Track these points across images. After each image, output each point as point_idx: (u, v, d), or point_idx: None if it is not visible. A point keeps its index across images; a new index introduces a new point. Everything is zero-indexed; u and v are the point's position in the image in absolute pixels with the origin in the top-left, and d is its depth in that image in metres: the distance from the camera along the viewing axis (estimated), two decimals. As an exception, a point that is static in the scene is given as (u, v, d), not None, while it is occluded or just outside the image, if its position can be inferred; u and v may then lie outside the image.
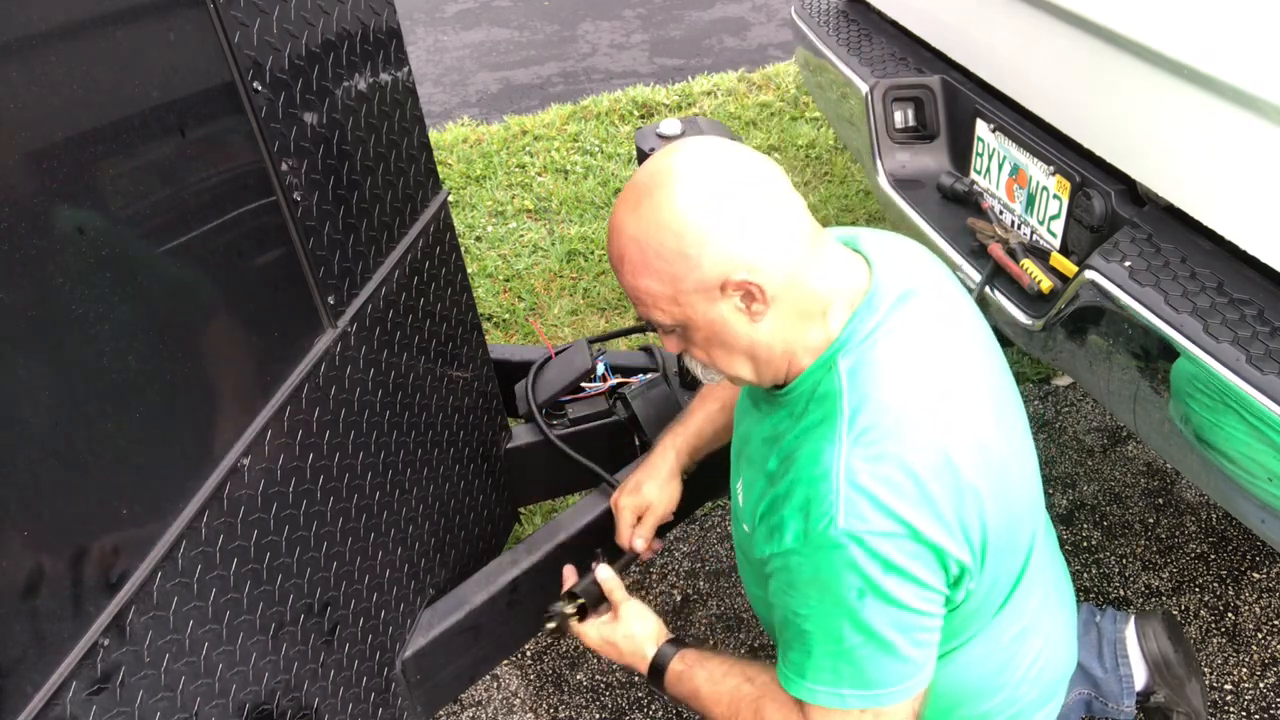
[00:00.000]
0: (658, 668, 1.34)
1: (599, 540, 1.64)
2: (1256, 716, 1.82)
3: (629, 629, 1.38)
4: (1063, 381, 2.66)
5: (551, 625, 1.46)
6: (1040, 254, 1.78)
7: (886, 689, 1.09)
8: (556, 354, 2.04)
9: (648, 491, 1.56)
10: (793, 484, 1.08)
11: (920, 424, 1.06)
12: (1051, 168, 1.73)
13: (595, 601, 1.46)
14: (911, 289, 1.15)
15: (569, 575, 1.51)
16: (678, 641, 1.37)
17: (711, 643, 2.06)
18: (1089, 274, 1.47)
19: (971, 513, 1.06)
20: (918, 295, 1.15)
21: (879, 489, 1.02)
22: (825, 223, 1.88)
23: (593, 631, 1.41)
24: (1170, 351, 1.35)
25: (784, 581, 1.10)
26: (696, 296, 1.06)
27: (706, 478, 1.68)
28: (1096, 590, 2.09)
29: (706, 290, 1.06)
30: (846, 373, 1.08)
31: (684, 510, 1.82)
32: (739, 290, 1.06)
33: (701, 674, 1.28)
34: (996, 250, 1.82)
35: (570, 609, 1.44)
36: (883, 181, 2.10)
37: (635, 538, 1.55)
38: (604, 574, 1.45)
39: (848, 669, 1.08)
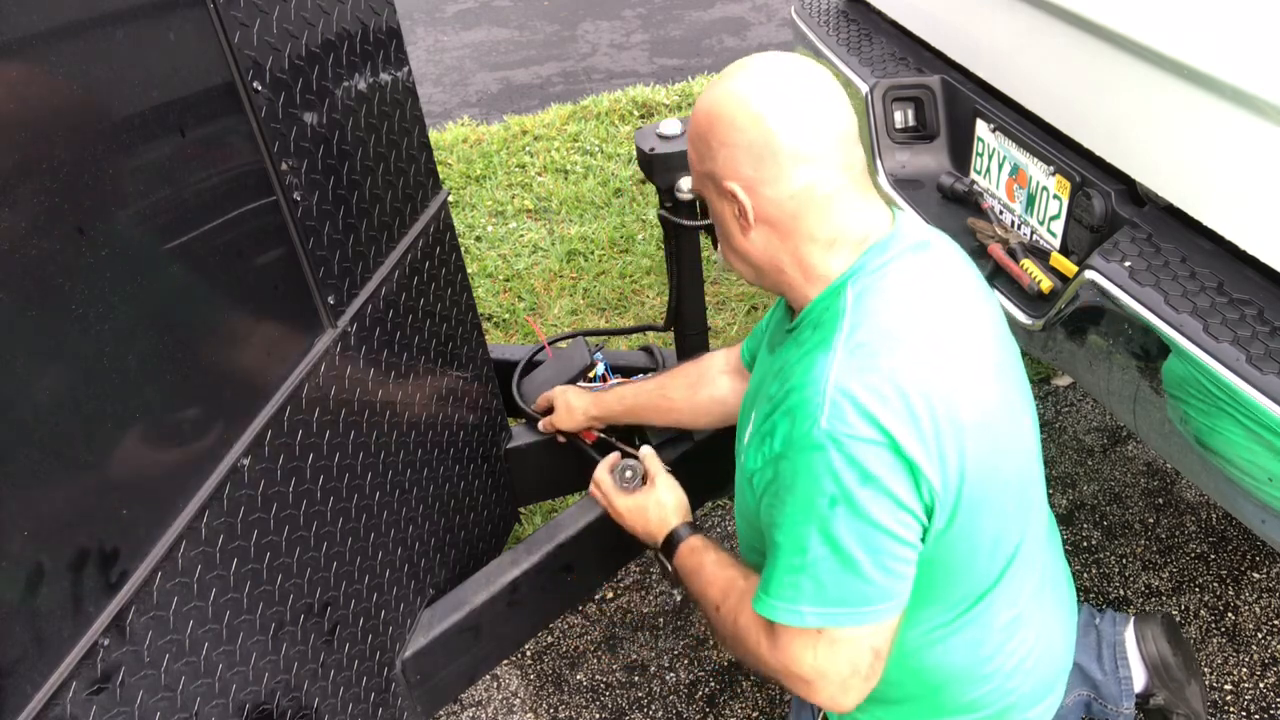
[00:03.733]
0: (674, 539, 1.41)
1: (600, 539, 1.65)
2: (1256, 716, 1.82)
3: (660, 496, 1.47)
4: (1063, 381, 2.66)
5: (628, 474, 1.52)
6: (1040, 254, 1.78)
7: (845, 609, 1.08)
8: (550, 343, 2.04)
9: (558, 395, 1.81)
10: (785, 394, 1.11)
11: (915, 350, 1.09)
12: (1051, 168, 1.73)
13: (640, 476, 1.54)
14: (928, 242, 1.21)
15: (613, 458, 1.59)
16: (696, 526, 1.44)
17: (711, 642, 2.06)
18: (1089, 274, 1.47)
19: (950, 445, 1.07)
20: (932, 249, 1.21)
21: (864, 396, 1.05)
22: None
23: (624, 500, 1.50)
24: (1169, 351, 1.35)
25: (770, 495, 1.13)
26: (709, 183, 1.20)
27: (707, 478, 1.68)
28: (1096, 590, 2.09)
29: (715, 183, 1.18)
30: (853, 297, 1.13)
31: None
32: (735, 201, 1.16)
33: (710, 556, 1.34)
34: (996, 250, 1.82)
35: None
36: (883, 181, 2.11)
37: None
38: (646, 450, 1.57)
39: (809, 584, 1.09)
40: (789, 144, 1.11)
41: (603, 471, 1.55)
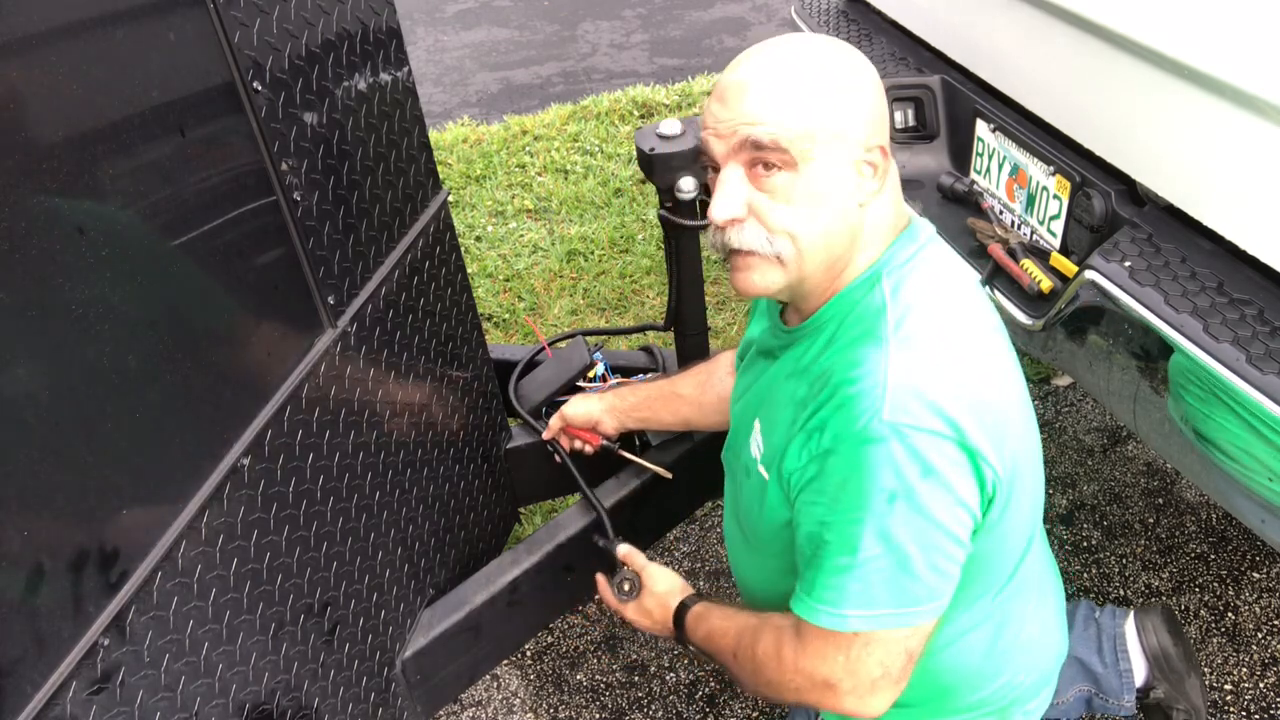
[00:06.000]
0: (681, 618, 1.36)
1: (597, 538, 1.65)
2: (1256, 716, 1.82)
3: (655, 591, 1.43)
4: (1063, 381, 2.66)
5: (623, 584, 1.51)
6: (1040, 254, 1.78)
7: (890, 610, 1.04)
8: (550, 343, 2.04)
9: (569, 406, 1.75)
10: (833, 390, 1.05)
11: (962, 341, 1.08)
12: (1051, 168, 1.73)
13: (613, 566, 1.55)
14: (936, 233, 1.21)
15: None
16: (699, 594, 1.41)
17: (711, 643, 2.06)
18: (1089, 274, 1.47)
19: (1005, 435, 1.06)
20: (939, 240, 1.20)
21: (927, 385, 1.01)
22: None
23: (631, 610, 1.46)
24: (1170, 351, 1.35)
25: (814, 491, 1.08)
26: (835, 144, 1.05)
27: (707, 477, 1.68)
28: (1096, 590, 2.09)
29: (849, 142, 1.06)
30: (890, 288, 1.09)
31: (683, 511, 1.83)
32: (876, 159, 1.07)
33: (717, 613, 1.31)
34: (996, 250, 1.82)
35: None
36: (883, 181, 2.10)
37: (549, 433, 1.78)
38: (623, 548, 1.55)
39: (857, 586, 1.04)
40: (884, 107, 1.09)
41: (607, 593, 1.51)
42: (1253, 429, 1.25)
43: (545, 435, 1.81)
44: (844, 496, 1.04)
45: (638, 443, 1.93)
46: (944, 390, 1.02)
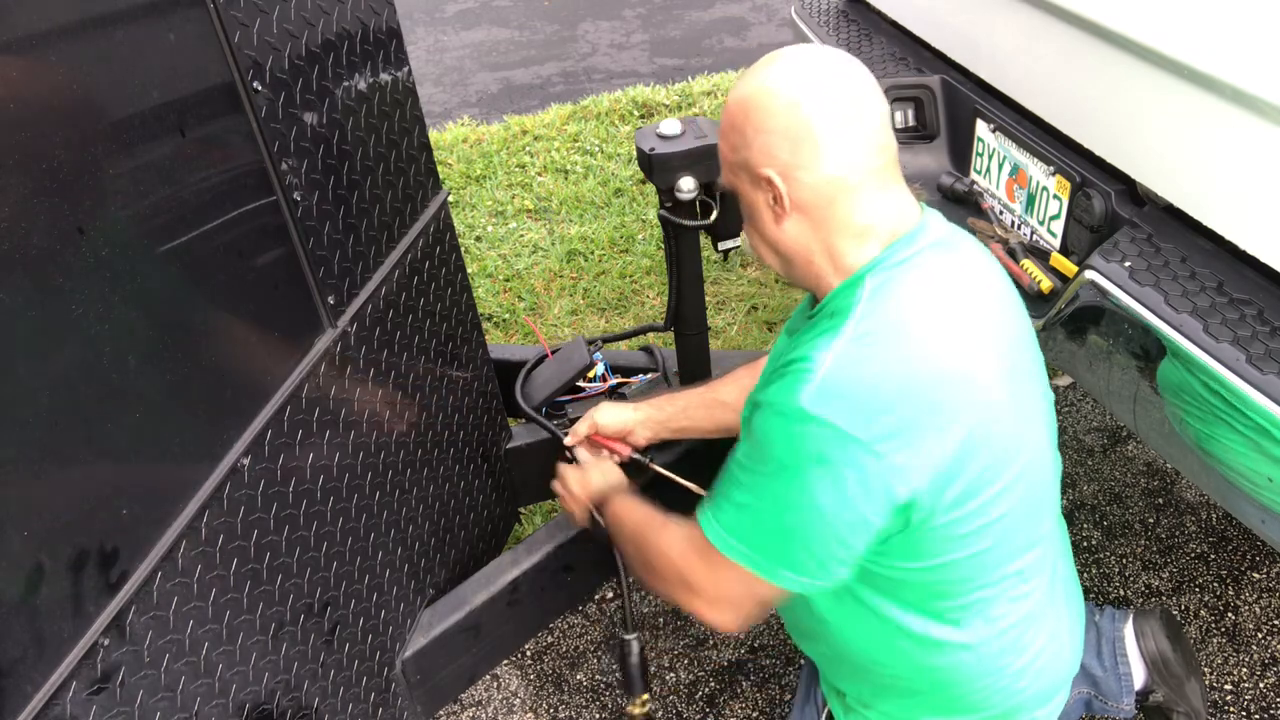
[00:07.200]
0: (608, 503, 1.52)
1: (597, 538, 1.65)
2: (1256, 716, 1.82)
3: (601, 466, 1.61)
4: (1063, 382, 2.66)
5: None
6: (1040, 254, 1.78)
7: (762, 558, 1.15)
8: (553, 352, 2.04)
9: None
10: (791, 360, 1.14)
11: (921, 345, 1.11)
12: (1051, 168, 1.73)
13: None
14: (952, 241, 1.22)
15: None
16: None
17: (711, 642, 2.06)
18: (1089, 274, 1.47)
19: (941, 443, 1.08)
20: (956, 249, 1.22)
21: (857, 385, 1.07)
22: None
23: (570, 470, 1.63)
24: (1166, 354, 1.35)
25: (745, 428, 1.19)
26: (743, 174, 1.20)
27: (707, 478, 1.68)
28: (1096, 590, 2.09)
29: (750, 173, 1.18)
30: (870, 288, 1.14)
31: (684, 510, 1.80)
32: (770, 188, 1.16)
33: (636, 499, 1.47)
34: (996, 250, 1.82)
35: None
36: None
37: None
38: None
39: (746, 523, 1.16)
40: (824, 128, 1.12)
41: (561, 465, 1.65)
42: (1250, 441, 1.24)
43: (569, 441, 1.76)
44: (756, 451, 1.15)
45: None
46: (870, 394, 1.07)
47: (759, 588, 1.17)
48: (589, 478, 1.58)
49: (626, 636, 1.62)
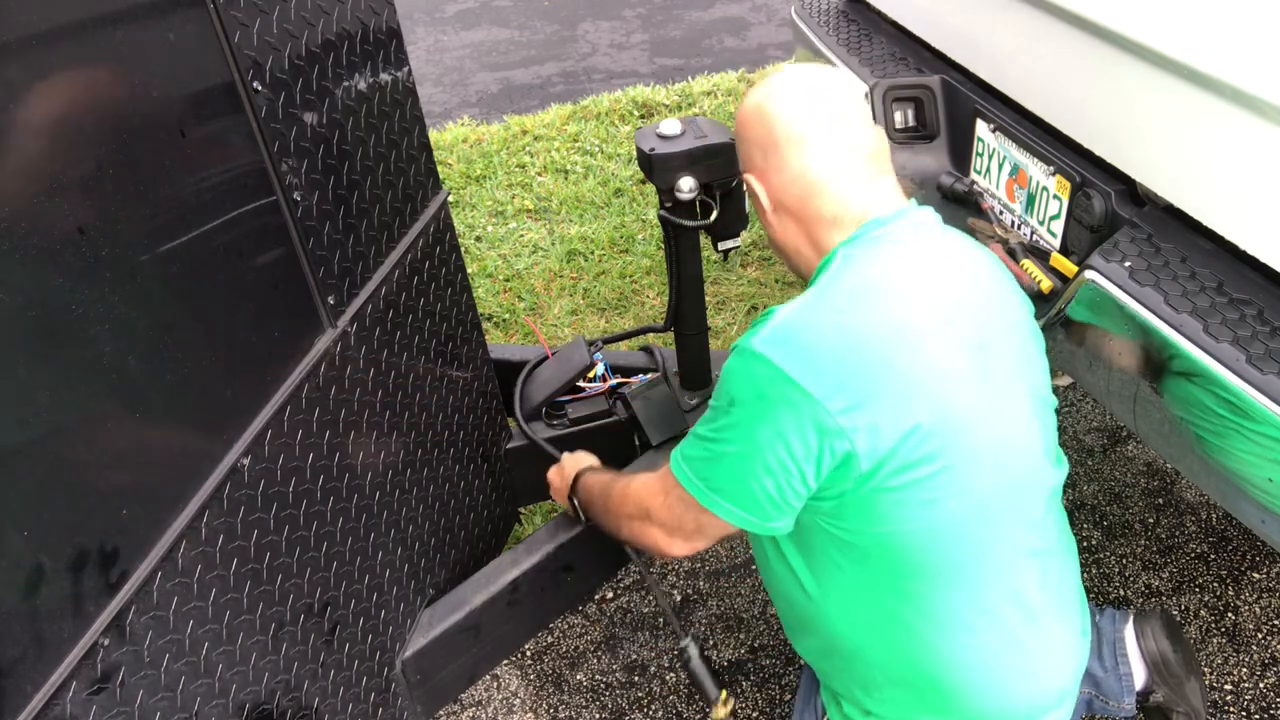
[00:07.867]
0: (578, 480, 1.63)
1: (600, 539, 1.65)
2: (1256, 716, 1.82)
3: (574, 454, 1.72)
4: (1063, 382, 2.66)
5: None
6: (1040, 254, 1.78)
7: (707, 488, 1.22)
8: (553, 353, 2.04)
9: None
10: (765, 313, 1.23)
11: (873, 301, 1.18)
12: (1051, 168, 1.73)
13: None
14: (934, 227, 1.30)
15: None
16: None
17: (711, 643, 2.06)
18: (1089, 274, 1.47)
19: (891, 408, 1.12)
20: (939, 234, 1.29)
21: (804, 332, 1.16)
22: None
23: (552, 469, 1.74)
24: (1169, 356, 1.35)
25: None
26: (745, 180, 1.35)
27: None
28: (1096, 590, 2.09)
29: (746, 179, 1.35)
30: (842, 257, 1.23)
31: None
32: (754, 192, 1.32)
33: (605, 472, 1.59)
34: (997, 250, 1.82)
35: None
36: (883, 181, 2.10)
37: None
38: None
39: (701, 455, 1.24)
40: (784, 129, 1.26)
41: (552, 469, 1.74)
42: (1260, 448, 1.24)
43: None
44: (719, 388, 1.23)
45: (638, 442, 1.93)
46: (815, 342, 1.14)
47: (703, 518, 1.25)
48: (564, 466, 1.70)
49: (681, 643, 1.62)
